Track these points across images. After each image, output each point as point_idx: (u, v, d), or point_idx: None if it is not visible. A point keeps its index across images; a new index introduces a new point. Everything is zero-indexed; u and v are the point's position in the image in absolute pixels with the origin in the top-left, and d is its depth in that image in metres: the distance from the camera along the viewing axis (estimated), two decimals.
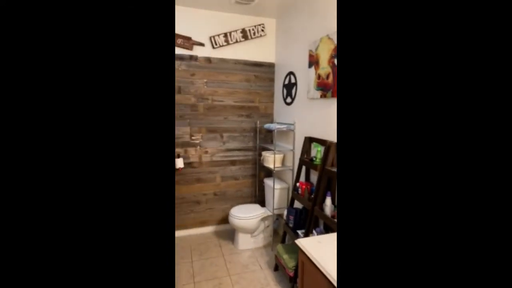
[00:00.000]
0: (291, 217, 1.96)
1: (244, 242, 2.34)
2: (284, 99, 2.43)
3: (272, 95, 2.69)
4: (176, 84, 2.38)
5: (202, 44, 2.41)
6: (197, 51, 2.40)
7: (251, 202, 2.73)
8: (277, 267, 1.99)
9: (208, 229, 2.65)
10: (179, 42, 2.33)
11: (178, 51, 2.34)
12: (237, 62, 2.52)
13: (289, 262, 1.76)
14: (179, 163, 2.39)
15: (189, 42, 2.36)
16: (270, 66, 2.63)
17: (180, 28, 2.32)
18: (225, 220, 2.63)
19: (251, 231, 2.32)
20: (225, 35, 2.44)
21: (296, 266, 1.69)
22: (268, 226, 2.40)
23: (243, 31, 2.50)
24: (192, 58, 2.39)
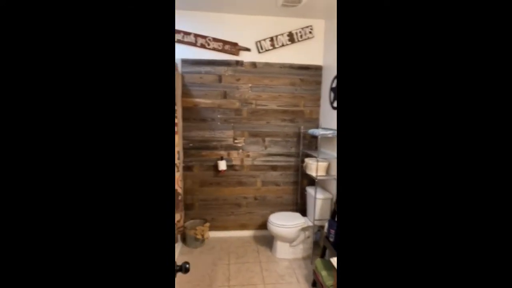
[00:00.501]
0: (332, 231, 1.81)
1: (283, 251, 2.26)
2: (331, 103, 2.28)
3: (318, 99, 2.56)
4: (222, 89, 2.45)
5: (248, 49, 2.44)
6: (243, 56, 2.44)
7: (291, 210, 2.64)
8: (315, 283, 1.86)
9: (247, 233, 2.65)
10: (226, 48, 2.40)
11: (225, 57, 2.42)
12: (282, 66, 2.48)
13: (327, 279, 1.62)
14: (222, 165, 2.45)
15: (235, 48, 2.42)
16: (317, 69, 2.51)
17: (227, 34, 2.39)
18: (264, 225, 2.59)
19: (290, 240, 2.23)
20: (271, 39, 2.43)
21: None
22: (308, 237, 2.28)
23: (290, 34, 2.44)
24: (238, 63, 2.44)
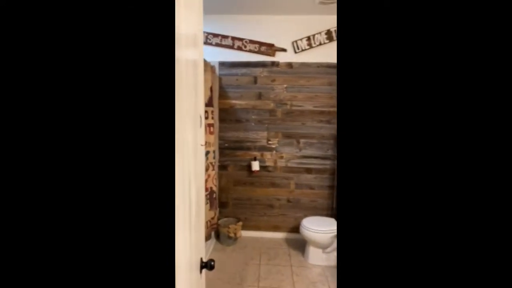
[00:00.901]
0: None
1: (315, 256, 2.19)
2: None
3: None
4: (257, 90, 2.47)
5: (284, 50, 2.42)
6: (279, 57, 2.43)
7: (326, 215, 2.54)
8: None
9: (279, 235, 2.62)
10: (262, 49, 2.42)
11: (261, 58, 2.43)
12: (320, 65, 2.40)
13: None
14: (255, 165, 2.47)
15: (271, 49, 2.42)
16: None
17: (263, 36, 2.40)
18: (297, 229, 2.54)
19: (323, 246, 2.15)
20: (308, 38, 2.37)
21: None
22: None
23: (328, 32, 2.35)
24: (273, 64, 2.44)
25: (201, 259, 0.95)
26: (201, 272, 0.93)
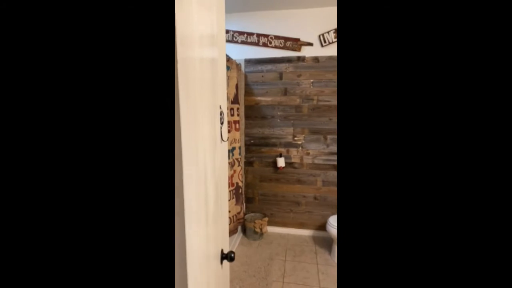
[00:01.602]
0: None
1: None
2: None
3: None
4: (283, 86, 2.46)
5: (310, 44, 2.36)
6: (305, 52, 2.38)
7: None
8: None
9: (305, 232, 2.60)
10: (288, 44, 2.39)
11: (286, 53, 2.41)
12: None
13: None
14: (281, 162, 2.46)
15: (297, 44, 2.38)
16: None
17: (289, 31, 2.37)
18: (324, 226, 2.49)
19: None
20: (335, 31, 2.28)
21: None
22: None
23: None
24: (299, 59, 2.40)
25: (222, 250, 0.99)
26: (221, 263, 0.96)
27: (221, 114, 1.13)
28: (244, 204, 2.65)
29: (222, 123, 1.16)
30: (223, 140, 1.17)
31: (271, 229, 2.64)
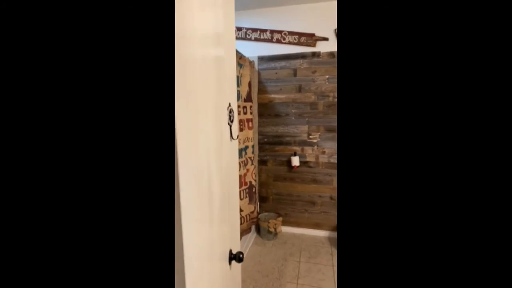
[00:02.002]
0: None
1: None
2: None
3: None
4: (297, 83, 2.40)
5: (326, 39, 2.29)
6: (320, 47, 2.31)
7: None
8: None
9: (321, 233, 2.53)
10: (302, 40, 2.33)
11: (301, 49, 2.35)
12: None
13: None
14: (295, 161, 2.41)
15: (312, 39, 2.31)
16: None
17: (303, 26, 2.30)
18: None
19: None
20: None
21: None
22: None
23: None
24: (314, 54, 2.33)
25: (230, 250, 0.97)
26: (230, 263, 0.94)
27: (230, 112, 1.12)
28: (258, 203, 2.62)
29: (231, 121, 1.14)
30: (233, 139, 1.15)
31: (286, 229, 2.60)
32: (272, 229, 2.40)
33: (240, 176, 2.04)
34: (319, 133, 2.41)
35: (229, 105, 1.11)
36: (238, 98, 1.98)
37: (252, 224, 2.31)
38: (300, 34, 2.33)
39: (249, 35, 2.44)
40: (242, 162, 2.07)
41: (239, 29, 2.46)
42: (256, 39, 2.43)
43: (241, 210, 2.06)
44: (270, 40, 2.40)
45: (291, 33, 2.34)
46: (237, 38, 2.46)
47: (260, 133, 2.55)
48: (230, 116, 1.12)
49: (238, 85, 1.98)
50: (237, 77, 1.97)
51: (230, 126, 1.14)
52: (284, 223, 2.58)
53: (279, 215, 2.55)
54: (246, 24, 2.44)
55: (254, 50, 2.45)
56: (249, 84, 2.21)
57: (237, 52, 1.94)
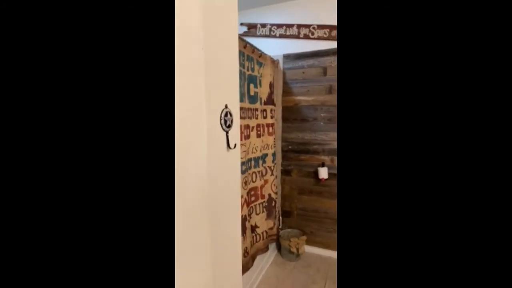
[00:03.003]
0: None
1: None
2: None
3: None
4: (327, 83, 2.09)
5: None
6: None
7: None
8: None
9: None
10: (334, 34, 2.02)
11: (332, 45, 2.04)
12: None
13: None
14: (323, 173, 2.10)
15: None
16: None
17: (335, 17, 2.00)
18: None
19: None
20: None
21: None
22: None
23: None
24: None
25: None
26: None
27: (226, 116, 0.90)
28: (280, 218, 2.36)
29: (228, 127, 0.93)
30: (230, 148, 0.93)
31: (310, 249, 2.28)
32: (294, 249, 2.11)
33: (256, 187, 1.81)
34: None
35: (225, 107, 0.90)
36: (256, 101, 1.76)
37: (270, 242, 2.05)
38: (331, 28, 2.03)
39: (273, 31, 2.22)
40: (259, 172, 1.84)
41: (263, 25, 2.25)
42: (281, 36, 2.20)
43: (256, 227, 1.82)
44: (297, 36, 2.15)
45: (320, 26, 2.06)
46: (260, 36, 2.26)
47: (283, 140, 2.29)
48: (225, 121, 0.90)
49: (256, 86, 1.76)
50: (255, 77, 1.76)
51: (227, 133, 0.93)
52: (309, 242, 2.27)
53: (303, 233, 2.24)
54: (271, 19, 2.22)
55: (279, 47, 2.21)
56: (271, 85, 1.98)
57: (256, 49, 1.73)
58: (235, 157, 1.00)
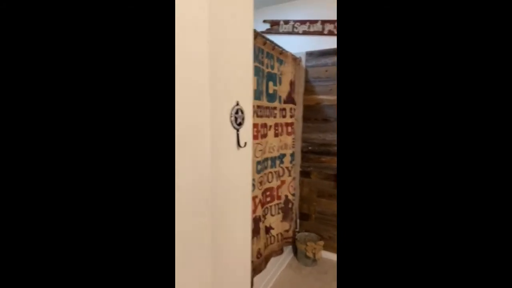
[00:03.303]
0: None
1: None
2: None
3: None
4: None
5: None
6: None
7: None
8: None
9: None
10: None
11: None
12: None
13: None
14: None
15: None
16: None
17: None
18: None
19: None
20: None
21: None
22: None
23: None
24: None
25: None
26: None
27: (237, 113, 0.87)
28: (298, 220, 2.29)
29: (238, 125, 0.90)
30: (240, 146, 0.90)
31: (328, 255, 2.18)
32: (310, 254, 2.03)
33: (272, 188, 1.76)
34: None
35: (237, 104, 0.87)
36: (275, 99, 1.72)
37: (286, 245, 2.00)
38: None
39: (296, 28, 2.15)
40: (276, 172, 1.79)
41: (286, 22, 2.19)
42: (304, 32, 2.12)
43: (271, 228, 1.78)
44: (321, 33, 2.06)
45: None
46: (282, 33, 2.21)
47: (303, 140, 2.22)
48: (236, 118, 0.87)
49: (275, 84, 1.72)
50: (275, 74, 1.71)
51: (238, 131, 0.90)
52: (327, 247, 2.17)
53: (321, 238, 2.15)
54: (294, 16, 2.16)
55: (302, 45, 2.14)
56: (291, 83, 1.92)
57: (277, 46, 1.68)
58: (246, 156, 0.96)
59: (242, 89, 0.90)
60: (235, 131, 0.88)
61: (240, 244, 0.96)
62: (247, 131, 0.95)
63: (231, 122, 0.85)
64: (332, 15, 2.01)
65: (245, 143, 0.92)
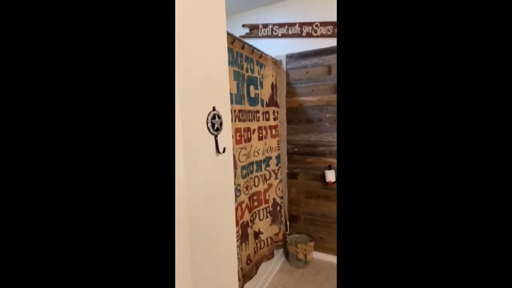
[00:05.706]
0: None
1: None
2: None
3: None
4: (332, 83, 2.01)
5: None
6: None
7: None
8: None
9: None
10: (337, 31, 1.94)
11: (334, 42, 1.96)
12: None
13: None
14: (330, 176, 2.01)
15: None
16: None
17: (331, 14, 1.92)
18: None
19: None
20: None
21: None
22: None
23: None
24: None
25: None
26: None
27: (214, 118, 0.86)
28: (287, 223, 2.28)
29: (217, 130, 0.88)
30: (219, 152, 0.89)
31: (319, 256, 2.18)
32: (301, 256, 2.02)
33: (259, 192, 1.75)
34: None
35: (213, 109, 0.86)
36: (257, 102, 1.71)
37: (276, 248, 1.98)
38: (335, 24, 1.95)
39: (275, 31, 2.17)
40: (262, 175, 1.78)
41: (264, 26, 2.21)
42: (283, 35, 2.14)
43: (260, 233, 1.76)
44: (299, 35, 2.08)
45: (323, 23, 1.98)
46: (262, 36, 2.22)
47: (289, 142, 2.22)
48: (213, 124, 0.86)
49: (256, 88, 1.71)
50: (256, 78, 1.71)
51: (216, 136, 0.88)
52: (318, 248, 2.17)
53: (312, 239, 2.15)
54: (273, 19, 2.18)
55: (282, 48, 2.16)
56: (273, 86, 1.92)
57: (256, 50, 1.68)
58: (226, 162, 0.95)
59: (218, 94, 0.89)
60: (213, 137, 0.86)
61: (225, 256, 0.94)
62: (226, 136, 0.94)
63: (208, 128, 0.83)
64: (309, 17, 2.04)
65: (224, 149, 0.91)
